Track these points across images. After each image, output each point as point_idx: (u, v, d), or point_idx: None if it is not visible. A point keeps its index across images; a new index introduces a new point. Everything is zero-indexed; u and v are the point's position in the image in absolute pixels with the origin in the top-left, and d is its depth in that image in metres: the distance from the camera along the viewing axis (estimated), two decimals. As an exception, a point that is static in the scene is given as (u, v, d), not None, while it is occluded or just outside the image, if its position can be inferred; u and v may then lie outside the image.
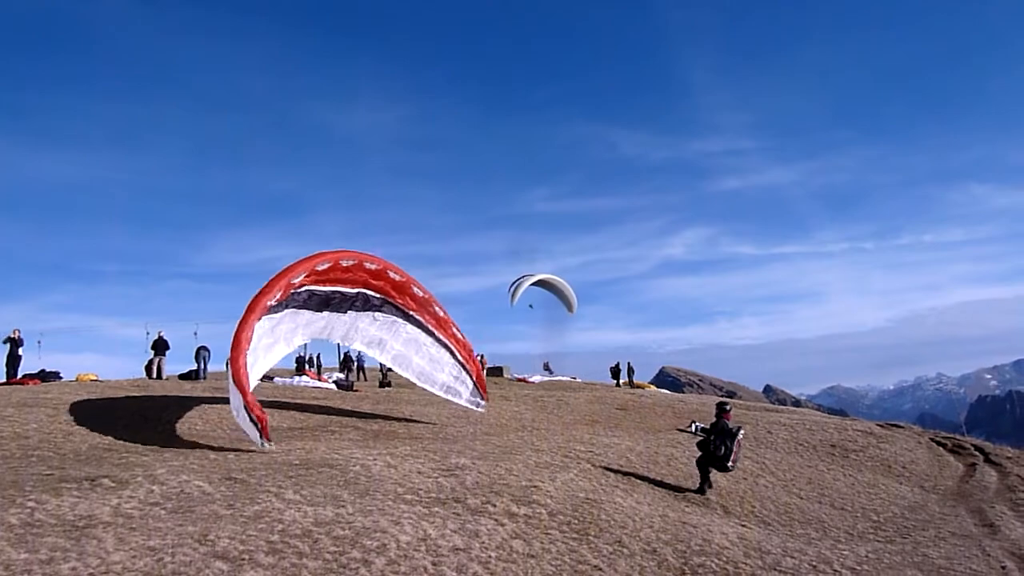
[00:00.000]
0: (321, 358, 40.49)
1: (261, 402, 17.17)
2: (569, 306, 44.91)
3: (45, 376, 24.31)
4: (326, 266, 14.06)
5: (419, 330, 16.68)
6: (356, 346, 16.43)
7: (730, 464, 12.89)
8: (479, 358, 41.16)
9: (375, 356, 16.45)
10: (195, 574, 5.31)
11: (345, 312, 15.45)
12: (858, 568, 8.83)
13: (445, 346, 17.24)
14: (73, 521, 6.55)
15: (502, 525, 8.10)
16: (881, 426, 26.27)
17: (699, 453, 13.23)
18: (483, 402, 18.50)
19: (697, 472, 13.32)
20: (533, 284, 42.67)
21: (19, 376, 22.92)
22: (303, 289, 14.09)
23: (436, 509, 8.41)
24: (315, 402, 20.99)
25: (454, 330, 17.26)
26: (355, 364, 36.66)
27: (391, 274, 15.50)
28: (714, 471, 13.19)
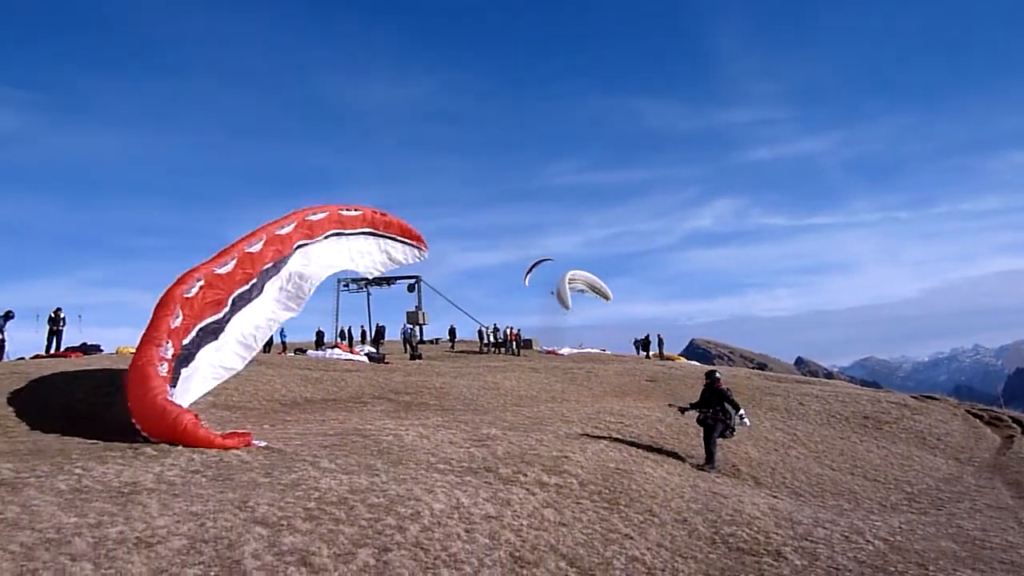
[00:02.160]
0: (352, 331, 41.02)
1: (295, 375, 17.44)
2: (605, 296, 45.21)
3: (87, 349, 24.95)
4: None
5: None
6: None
7: (731, 431, 12.74)
8: (508, 330, 41.35)
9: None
10: (236, 539, 5.47)
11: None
12: (891, 539, 8.80)
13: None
14: (119, 487, 6.76)
15: (533, 494, 8.20)
16: (915, 398, 25.99)
17: (702, 430, 13.00)
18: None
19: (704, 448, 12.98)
20: (572, 289, 42.93)
21: (62, 349, 23.59)
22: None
23: (468, 478, 8.54)
24: (347, 374, 21.29)
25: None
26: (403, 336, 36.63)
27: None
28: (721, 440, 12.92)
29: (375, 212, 16.76)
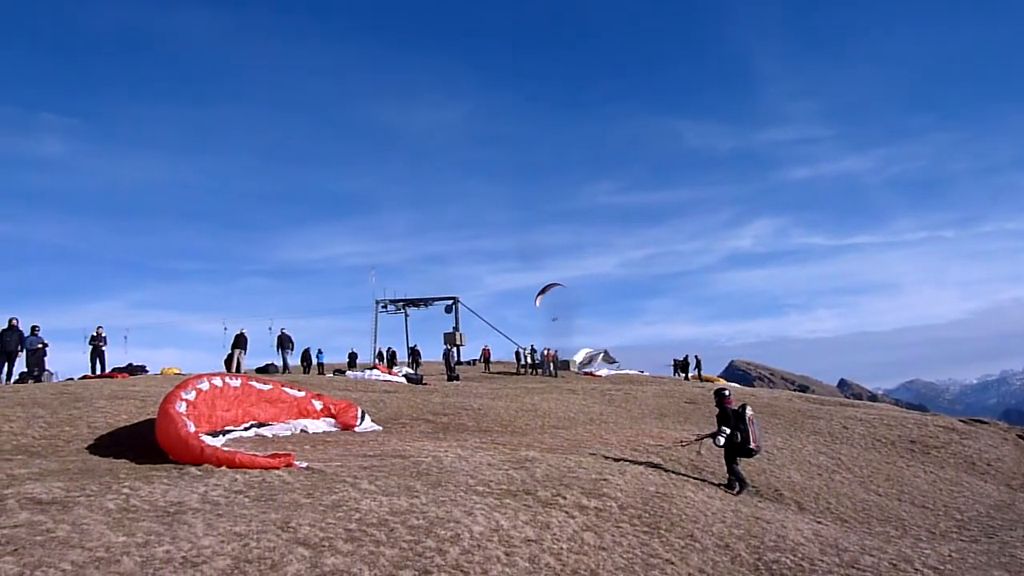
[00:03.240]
0: (396, 353, 41.23)
1: (334, 395, 17.57)
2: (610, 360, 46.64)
3: (132, 369, 25.53)
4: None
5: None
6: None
7: (753, 447, 11.95)
8: (545, 351, 41.29)
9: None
10: (279, 559, 5.52)
11: None
12: (941, 567, 8.54)
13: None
14: (164, 507, 6.88)
15: (573, 517, 8.14)
16: (964, 421, 25.23)
17: (723, 451, 12.32)
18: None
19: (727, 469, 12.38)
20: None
21: (108, 370, 24.15)
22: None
23: (507, 500, 8.51)
24: (386, 395, 21.42)
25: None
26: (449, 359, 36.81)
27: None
28: (742, 459, 12.33)
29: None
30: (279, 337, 30.46)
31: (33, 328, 21.18)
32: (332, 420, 14.83)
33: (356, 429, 14.96)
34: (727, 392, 12.68)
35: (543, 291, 46.67)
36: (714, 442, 12.22)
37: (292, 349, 31.35)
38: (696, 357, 44.87)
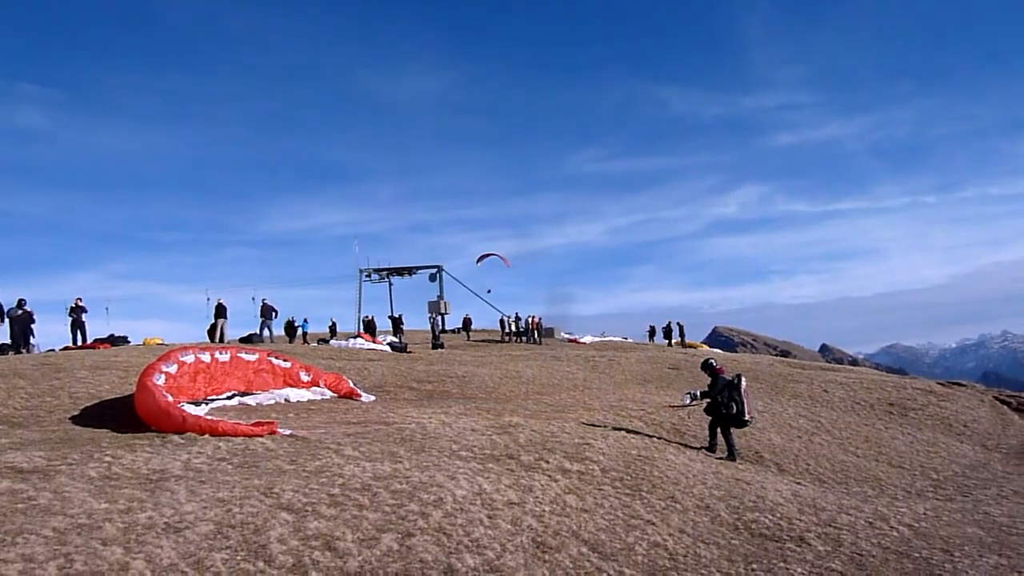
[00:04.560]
0: (375, 320, 41.26)
1: (319, 364, 17.61)
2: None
3: (114, 340, 25.37)
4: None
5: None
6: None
7: (748, 418, 11.89)
8: (530, 318, 41.45)
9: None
10: (262, 524, 5.55)
11: None
12: (916, 525, 8.73)
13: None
14: (147, 475, 6.89)
15: (555, 481, 8.23)
16: (942, 384, 25.67)
17: (709, 418, 12.34)
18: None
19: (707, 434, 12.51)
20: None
21: (89, 341, 23.98)
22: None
23: (490, 465, 8.58)
24: (370, 363, 21.44)
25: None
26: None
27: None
28: (735, 430, 12.30)
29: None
30: (262, 307, 30.32)
31: (19, 301, 20.97)
32: (318, 389, 14.82)
33: (362, 400, 15.01)
34: (714, 362, 12.55)
35: (483, 257, 48.16)
36: (693, 400, 12.32)
37: (275, 319, 31.21)
38: (679, 324, 45.19)
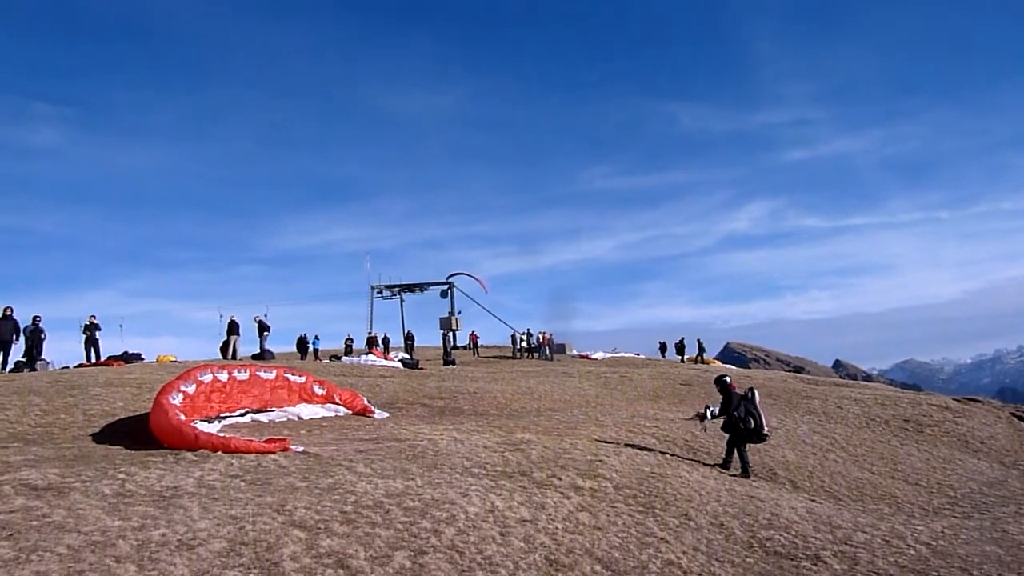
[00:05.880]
0: (389, 338, 41.29)
1: (332, 381, 17.64)
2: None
3: (128, 357, 25.51)
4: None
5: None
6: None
7: (766, 432, 11.95)
8: (541, 335, 41.43)
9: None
10: (275, 541, 5.55)
11: None
12: (934, 543, 8.62)
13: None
14: (160, 492, 6.90)
15: (568, 498, 8.19)
16: (958, 400, 25.41)
17: (727, 436, 12.26)
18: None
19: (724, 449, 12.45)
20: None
21: (103, 358, 24.13)
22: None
23: (503, 482, 8.55)
24: (382, 380, 21.45)
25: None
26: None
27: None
28: (751, 446, 12.31)
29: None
30: (258, 325, 30.25)
31: (34, 318, 21.14)
32: (332, 405, 14.83)
33: (375, 416, 15.01)
34: (728, 378, 12.53)
35: (459, 275, 50.39)
36: (711, 417, 12.26)
37: (268, 335, 30.87)
38: (698, 340, 44.91)
